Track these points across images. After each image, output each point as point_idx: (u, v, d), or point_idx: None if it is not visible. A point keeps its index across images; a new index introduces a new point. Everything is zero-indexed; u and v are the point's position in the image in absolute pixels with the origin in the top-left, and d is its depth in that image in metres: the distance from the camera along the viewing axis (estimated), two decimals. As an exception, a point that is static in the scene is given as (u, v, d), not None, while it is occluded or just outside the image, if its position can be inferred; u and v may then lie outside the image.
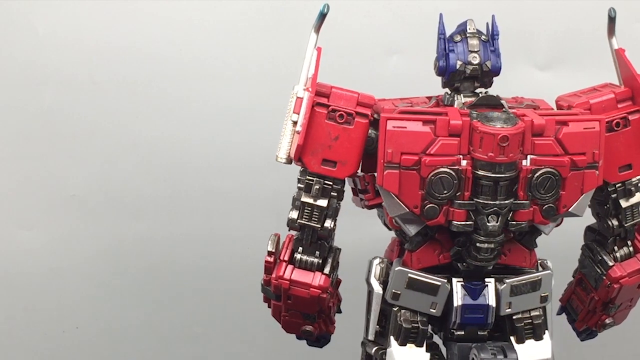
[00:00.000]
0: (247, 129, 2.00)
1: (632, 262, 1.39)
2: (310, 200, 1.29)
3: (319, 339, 1.44)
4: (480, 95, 1.31)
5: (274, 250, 1.33)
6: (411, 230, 1.29)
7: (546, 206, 1.25)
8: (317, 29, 1.30)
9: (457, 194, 1.24)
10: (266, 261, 1.34)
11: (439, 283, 1.31)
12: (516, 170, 1.23)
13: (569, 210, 1.27)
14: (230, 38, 2.01)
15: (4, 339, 2.14)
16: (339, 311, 1.47)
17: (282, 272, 1.31)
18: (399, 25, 1.97)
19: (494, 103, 1.29)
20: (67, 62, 2.02)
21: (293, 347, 2.02)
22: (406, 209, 1.25)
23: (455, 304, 1.30)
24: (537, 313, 1.33)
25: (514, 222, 1.25)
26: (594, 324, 1.45)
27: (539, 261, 1.36)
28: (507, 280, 1.31)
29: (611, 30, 1.33)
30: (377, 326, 1.37)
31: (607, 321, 1.44)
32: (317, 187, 1.28)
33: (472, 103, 1.29)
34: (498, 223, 1.24)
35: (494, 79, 1.32)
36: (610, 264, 1.38)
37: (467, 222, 1.25)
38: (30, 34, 2.01)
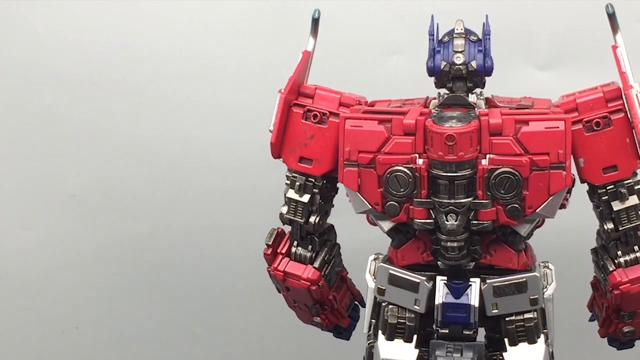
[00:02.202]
0: (247, 129, 2.00)
1: (637, 268, 1.32)
2: (296, 196, 1.34)
3: (341, 332, 1.48)
4: (448, 95, 1.30)
5: (271, 243, 1.39)
6: (384, 226, 1.32)
7: (510, 206, 1.24)
8: (313, 33, 1.34)
9: (414, 192, 1.25)
10: (264, 253, 1.39)
11: (418, 280, 1.31)
12: (472, 169, 1.23)
13: (537, 211, 1.25)
14: (230, 38, 2.01)
15: (4, 339, 2.14)
16: (362, 305, 1.49)
17: (277, 264, 1.39)
18: (399, 25, 1.97)
19: (462, 102, 1.29)
20: (67, 62, 2.02)
21: (294, 346, 2.03)
22: (368, 205, 1.27)
23: (437, 302, 1.30)
24: (530, 316, 1.31)
25: (476, 222, 1.25)
26: (613, 332, 1.39)
27: (538, 263, 1.35)
28: (489, 281, 1.30)
29: (614, 27, 1.29)
30: (373, 320, 1.38)
31: (625, 329, 1.37)
32: (299, 183, 1.34)
33: (439, 102, 1.30)
34: (457, 222, 1.24)
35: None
36: (611, 268, 1.32)
37: (428, 220, 1.25)
38: (30, 34, 2.01)
